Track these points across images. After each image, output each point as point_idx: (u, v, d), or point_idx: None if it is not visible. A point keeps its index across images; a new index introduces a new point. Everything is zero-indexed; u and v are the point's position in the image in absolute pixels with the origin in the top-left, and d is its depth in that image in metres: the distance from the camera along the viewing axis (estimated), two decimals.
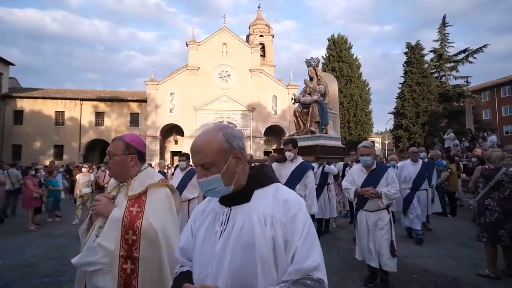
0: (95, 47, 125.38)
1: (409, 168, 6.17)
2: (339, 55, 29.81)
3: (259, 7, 39.48)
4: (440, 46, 29.52)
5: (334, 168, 6.98)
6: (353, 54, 30.52)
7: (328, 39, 30.97)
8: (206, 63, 28.90)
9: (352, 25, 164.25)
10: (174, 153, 30.27)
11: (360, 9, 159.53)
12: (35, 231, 7.61)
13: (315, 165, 7.04)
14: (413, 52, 27.83)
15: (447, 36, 29.52)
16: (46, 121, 28.10)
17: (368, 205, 3.68)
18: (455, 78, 29.40)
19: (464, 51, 28.84)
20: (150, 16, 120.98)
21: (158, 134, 27.87)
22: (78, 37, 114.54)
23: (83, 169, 9.60)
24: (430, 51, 29.59)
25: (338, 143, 8.49)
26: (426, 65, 28.45)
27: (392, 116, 32.19)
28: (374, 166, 3.77)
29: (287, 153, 4.14)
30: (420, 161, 6.20)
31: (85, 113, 28.72)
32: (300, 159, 4.21)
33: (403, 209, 5.99)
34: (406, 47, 28.42)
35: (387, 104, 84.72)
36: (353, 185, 3.80)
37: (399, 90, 28.88)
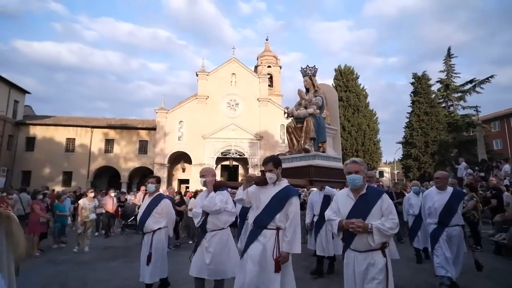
0: (106, 77, 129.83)
1: (434, 197, 4.81)
2: (346, 85, 30.22)
3: (267, 39, 40.81)
4: (446, 77, 29.83)
5: (334, 190, 5.78)
6: (360, 84, 30.94)
7: (335, 70, 31.57)
8: (215, 92, 29.50)
9: (356, 57, 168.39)
10: (181, 181, 30.21)
11: (364, 42, 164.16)
12: (39, 257, 7.45)
13: (315, 190, 6.32)
14: (420, 82, 28.11)
15: (453, 67, 29.91)
16: (57, 148, 28.51)
17: (356, 243, 2.74)
18: (463, 108, 29.42)
19: (471, 81, 29.06)
20: (161, 48, 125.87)
21: (166, 161, 27.97)
22: (91, 68, 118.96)
23: (89, 194, 9.08)
24: (437, 82, 29.89)
25: (339, 164, 6.63)
26: (433, 95, 28.61)
27: (400, 145, 31.98)
28: (364, 191, 2.86)
29: (268, 175, 3.25)
30: (450, 189, 4.81)
31: (95, 140, 29.13)
32: (284, 183, 3.33)
33: (431, 248, 4.90)
34: (413, 78, 28.76)
35: (394, 134, 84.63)
36: (337, 215, 2.90)
37: (407, 120, 28.88)
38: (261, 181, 3.31)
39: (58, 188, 23.77)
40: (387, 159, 50.34)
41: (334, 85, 30.67)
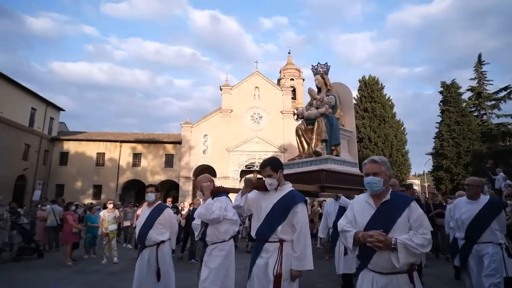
0: (134, 94, 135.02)
1: (463, 207, 4.03)
2: (371, 96, 29.68)
3: (289, 53, 41.07)
4: (478, 85, 28.65)
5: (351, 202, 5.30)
6: (386, 94, 30.30)
7: (359, 81, 31.13)
8: (238, 106, 29.86)
9: (380, 68, 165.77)
10: None
11: (387, 52, 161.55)
12: (72, 266, 7.66)
13: (330, 200, 5.79)
14: (449, 91, 27.14)
15: (485, 74, 28.73)
16: (88, 162, 29.68)
17: (376, 262, 2.16)
18: (498, 116, 28.04)
19: (505, 88, 27.74)
20: (186, 64, 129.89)
21: (191, 175, 28.37)
22: (120, 85, 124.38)
23: (109, 205, 9.00)
24: (468, 90, 28.76)
25: (355, 170, 6.08)
26: (464, 104, 27.50)
27: (430, 157, 30.76)
28: (388, 197, 2.30)
29: (267, 181, 2.80)
30: (484, 199, 3.98)
31: (123, 155, 30.11)
32: (287, 187, 2.85)
33: (460, 268, 4.26)
34: (441, 86, 27.83)
35: (423, 145, 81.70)
36: (353, 226, 2.33)
37: (437, 130, 27.83)
38: (262, 186, 2.85)
39: (89, 201, 24.64)
40: (416, 171, 48.51)
41: (358, 96, 30.27)
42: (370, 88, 30.06)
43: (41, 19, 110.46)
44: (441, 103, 27.84)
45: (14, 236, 9.46)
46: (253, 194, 2.93)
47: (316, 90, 6.81)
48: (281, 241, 2.68)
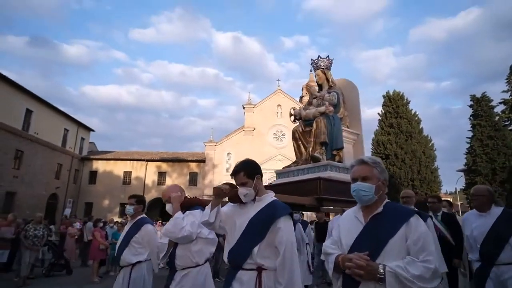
0: (160, 115, 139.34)
1: (473, 222, 3.39)
2: (396, 111, 29.02)
3: (311, 70, 40.95)
4: (511, 97, 27.41)
5: None
6: (411, 109, 29.53)
7: (383, 96, 30.61)
8: (261, 124, 30.05)
9: (405, 83, 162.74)
10: None
11: (412, 67, 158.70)
12: (99, 283, 7.76)
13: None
14: (480, 104, 26.09)
15: None
16: (115, 181, 30.58)
17: None
18: None
19: None
20: (209, 85, 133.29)
21: None
22: (147, 107, 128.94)
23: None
24: (500, 103, 27.53)
25: None
26: (497, 118, 26.28)
27: (462, 173, 29.34)
28: (380, 209, 1.77)
29: (240, 190, 2.18)
30: (496, 210, 3.32)
31: (149, 173, 30.81)
32: (268, 198, 2.23)
33: None
34: (471, 100, 26.83)
35: (453, 162, 78.29)
36: (338, 247, 1.83)
37: (468, 145, 26.64)
38: (236, 196, 2.21)
39: (116, 218, 25.20)
40: (448, 189, 46.36)
41: (383, 111, 29.69)
42: (395, 104, 29.45)
43: (76, 46, 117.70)
44: (471, 117, 26.75)
45: (45, 252, 9.76)
46: (228, 207, 2.35)
47: (316, 87, 5.88)
48: (260, 269, 2.03)
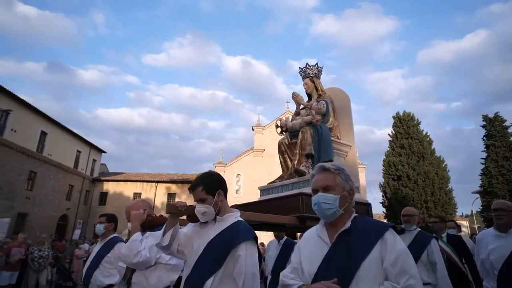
0: (170, 137, 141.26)
1: (490, 244, 2.92)
2: (407, 132, 28.74)
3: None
4: None
5: None
6: (422, 130, 29.22)
7: (393, 117, 30.45)
8: (270, 145, 30.07)
9: (414, 104, 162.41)
10: None
11: (420, 89, 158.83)
12: None
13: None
14: (493, 124, 25.70)
15: None
16: (125, 202, 30.56)
17: None
18: None
19: None
20: (219, 107, 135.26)
21: None
22: (157, 129, 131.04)
23: None
24: None
25: (358, 196, 4.18)
26: None
27: (478, 195, 28.50)
28: (347, 225, 1.51)
29: (197, 208, 1.87)
30: None
31: (158, 195, 30.83)
32: (232, 217, 1.91)
33: None
34: (483, 120, 26.47)
35: (468, 184, 76.30)
36: (299, 275, 1.54)
37: (483, 166, 26.04)
38: (194, 215, 1.89)
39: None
40: (463, 211, 44.97)
41: (393, 132, 29.42)
42: (406, 124, 29.22)
43: (90, 71, 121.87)
44: (484, 138, 26.30)
45: (54, 273, 9.69)
46: (188, 227, 2.03)
47: (307, 99, 5.32)
48: None
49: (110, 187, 31.48)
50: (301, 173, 4.21)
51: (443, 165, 28.23)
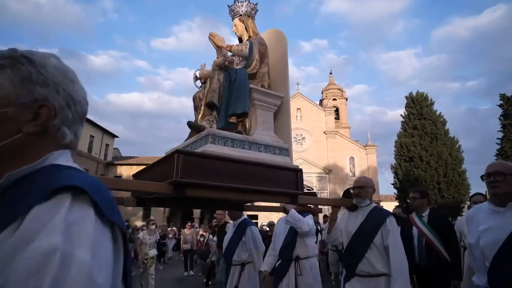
0: (181, 120, 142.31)
1: (482, 223, 2.00)
2: (419, 113, 28.18)
3: (331, 73, 40.75)
4: None
5: (305, 218, 3.48)
6: (436, 110, 28.58)
7: (406, 97, 29.83)
8: None
9: (428, 84, 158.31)
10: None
11: (436, 68, 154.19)
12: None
13: (283, 217, 3.85)
14: (510, 104, 24.94)
15: None
16: None
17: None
18: None
19: None
20: None
21: None
22: (168, 113, 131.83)
23: (150, 226, 7.52)
24: None
25: (282, 160, 3.10)
26: None
27: None
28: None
29: None
30: None
31: None
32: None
33: None
34: (500, 99, 25.69)
35: (483, 164, 74.63)
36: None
37: (498, 147, 25.48)
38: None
39: (138, 223, 25.75)
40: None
41: (406, 113, 28.90)
42: (419, 105, 28.63)
43: (101, 57, 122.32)
44: (501, 117, 25.60)
45: None
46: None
47: (238, 42, 4.00)
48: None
49: (123, 171, 32.09)
50: (197, 128, 2.98)
51: (457, 146, 27.74)
